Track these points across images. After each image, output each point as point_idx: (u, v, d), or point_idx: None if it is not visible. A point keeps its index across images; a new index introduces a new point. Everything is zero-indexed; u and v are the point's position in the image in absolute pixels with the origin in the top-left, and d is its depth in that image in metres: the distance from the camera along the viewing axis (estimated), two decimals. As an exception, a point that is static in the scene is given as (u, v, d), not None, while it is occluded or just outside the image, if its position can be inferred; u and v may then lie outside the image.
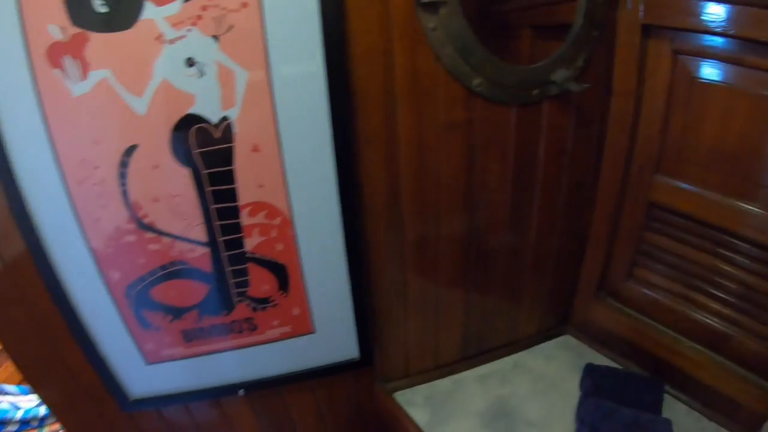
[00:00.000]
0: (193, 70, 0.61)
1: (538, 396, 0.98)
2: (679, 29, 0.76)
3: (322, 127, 0.66)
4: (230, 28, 0.59)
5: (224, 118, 0.63)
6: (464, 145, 0.76)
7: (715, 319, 0.90)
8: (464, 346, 1.01)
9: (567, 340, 1.12)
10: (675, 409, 0.94)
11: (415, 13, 0.64)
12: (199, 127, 0.63)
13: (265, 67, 0.62)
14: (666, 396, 0.96)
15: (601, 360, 1.06)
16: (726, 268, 0.86)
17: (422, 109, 0.71)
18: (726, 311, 0.88)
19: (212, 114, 0.63)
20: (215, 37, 0.59)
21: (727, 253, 0.85)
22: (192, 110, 0.62)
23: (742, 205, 0.79)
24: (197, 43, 0.59)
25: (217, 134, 0.64)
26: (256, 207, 0.70)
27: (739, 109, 0.75)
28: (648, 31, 0.78)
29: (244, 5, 0.59)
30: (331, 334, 0.85)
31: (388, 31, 0.65)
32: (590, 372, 0.98)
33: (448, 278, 0.91)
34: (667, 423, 0.83)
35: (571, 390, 0.99)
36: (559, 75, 0.74)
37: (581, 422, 0.87)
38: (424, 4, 0.63)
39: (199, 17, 0.58)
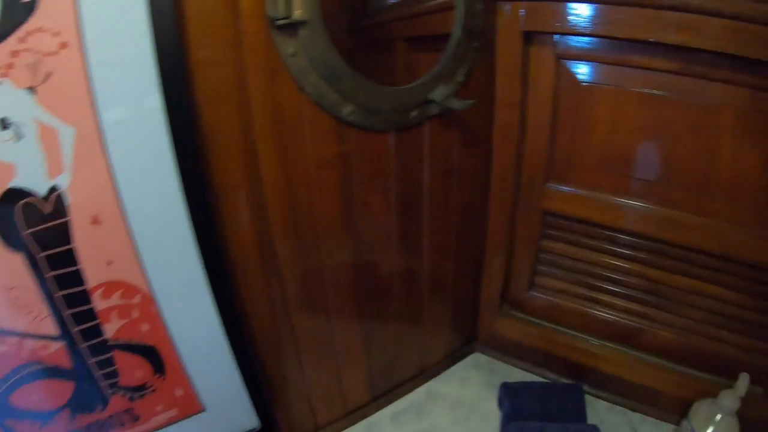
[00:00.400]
0: (8, 133, 0.51)
1: (459, 425, 0.97)
2: (560, 34, 0.76)
3: (170, 183, 0.58)
4: (48, 76, 0.50)
5: (53, 189, 0.54)
6: (341, 180, 0.71)
7: (624, 316, 0.96)
8: (372, 385, 0.98)
9: (477, 358, 1.13)
10: (598, 409, 0.99)
11: (271, 38, 0.57)
12: (25, 203, 0.53)
13: (94, 119, 0.53)
14: (587, 397, 0.99)
15: (515, 373, 1.08)
16: (627, 266, 0.92)
17: (288, 149, 0.64)
18: (633, 306, 0.95)
19: (38, 185, 0.53)
20: (31, 89, 0.50)
21: (627, 251, 0.90)
22: (13, 183, 0.53)
23: (636, 203, 0.84)
24: (9, 98, 0.49)
25: (48, 208, 0.55)
26: (109, 287, 0.61)
27: (628, 110, 0.78)
28: (529, 37, 0.79)
29: (63, 46, 0.50)
30: (224, 408, 0.78)
31: (240, 61, 0.58)
32: (507, 393, 0.98)
33: (341, 316, 0.86)
34: (595, 429, 0.86)
35: (491, 411, 0.99)
36: (439, 93, 0.71)
37: None
38: (281, 27, 0.56)
39: (10, 66, 0.48)
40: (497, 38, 0.79)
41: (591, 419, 0.94)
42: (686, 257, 0.86)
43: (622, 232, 0.90)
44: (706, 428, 0.84)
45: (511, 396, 0.96)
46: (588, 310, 1.00)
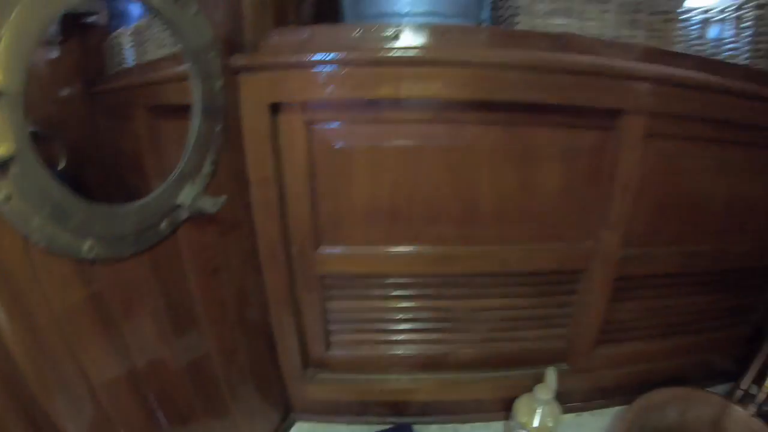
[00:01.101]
0: None
1: None
2: (307, 101, 0.78)
3: None
4: None
5: None
6: (96, 322, 0.62)
7: (425, 347, 1.08)
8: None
9: (300, 427, 1.17)
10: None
11: None
12: None
13: None
14: (418, 426, 1.13)
15: (342, 430, 1.13)
16: (415, 304, 1.03)
17: (28, 309, 0.54)
18: (431, 336, 1.07)
19: None
20: None
21: (411, 292, 1.01)
22: None
23: (408, 248, 0.95)
24: None
25: None
26: None
27: (386, 164, 0.85)
28: (276, 108, 0.78)
29: None
30: None
31: None
32: None
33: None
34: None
35: None
36: (186, 195, 0.66)
37: None
38: None
39: None
40: (242, 114, 0.76)
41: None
42: (467, 283, 1.01)
43: (401, 276, 0.99)
44: (531, 420, 1.01)
45: None
46: (390, 352, 1.09)
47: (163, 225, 0.65)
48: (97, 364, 0.62)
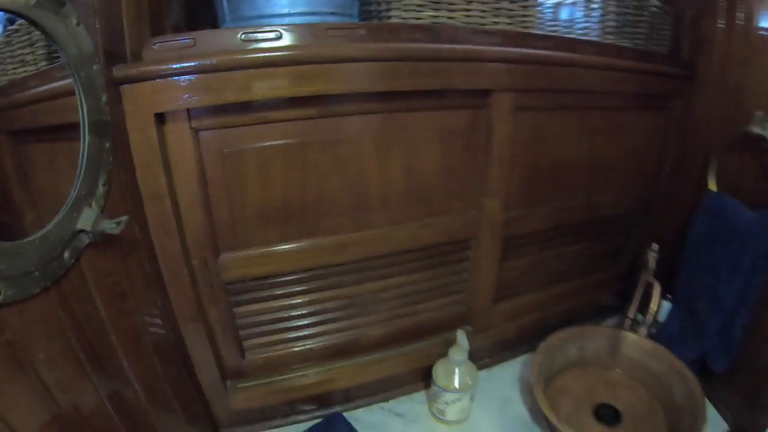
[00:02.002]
0: None
1: None
2: (191, 109, 0.79)
3: None
4: None
5: None
6: (12, 369, 0.59)
7: (336, 336, 1.14)
8: None
9: None
10: (359, 416, 1.21)
11: None
12: None
13: None
14: (346, 413, 1.20)
15: None
16: (319, 296, 1.10)
17: None
18: (340, 325, 1.14)
19: None
20: None
21: (314, 284, 1.08)
22: None
23: (305, 242, 1.00)
24: None
25: None
26: None
27: (275, 163, 0.88)
28: (162, 119, 0.77)
29: None
30: None
31: None
32: None
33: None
34: None
35: None
36: (87, 220, 0.64)
37: None
38: None
39: None
40: (128, 127, 0.75)
41: (359, 427, 1.12)
42: (366, 267, 1.07)
43: (302, 272, 1.03)
44: (452, 382, 1.11)
45: None
46: (303, 347, 1.13)
47: (66, 254, 0.62)
48: (22, 413, 0.61)
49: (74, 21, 0.61)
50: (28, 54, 0.76)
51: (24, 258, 0.56)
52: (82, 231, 0.65)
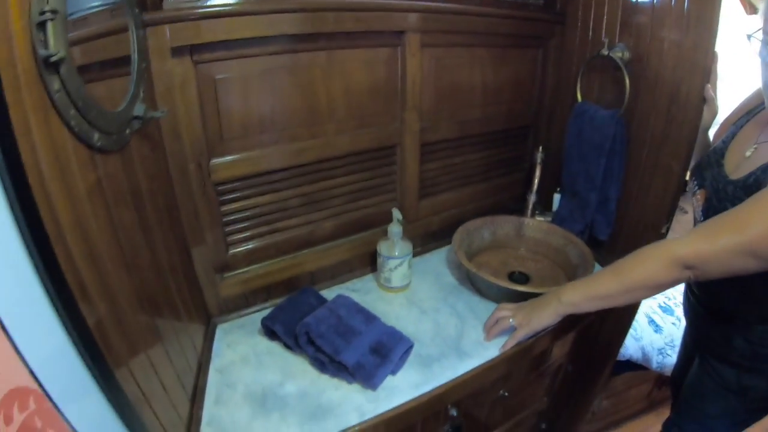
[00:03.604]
0: None
1: (263, 367, 1.25)
2: (196, 45, 1.10)
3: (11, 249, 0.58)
4: None
5: None
6: (104, 206, 0.82)
7: (299, 228, 1.46)
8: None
9: (222, 329, 1.40)
10: (322, 295, 1.47)
11: (41, 76, 0.64)
12: None
13: None
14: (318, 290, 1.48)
15: (256, 316, 1.40)
16: (286, 193, 1.38)
17: (70, 184, 0.71)
18: (302, 219, 1.44)
19: None
20: None
21: (282, 184, 1.38)
22: None
23: (275, 148, 1.31)
24: None
25: None
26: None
27: (253, 86, 1.20)
28: (173, 52, 1.07)
29: None
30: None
31: (21, 103, 0.59)
32: (271, 321, 1.31)
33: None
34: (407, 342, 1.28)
35: (272, 347, 1.31)
36: (140, 109, 0.93)
37: (313, 338, 1.20)
38: (49, 65, 0.65)
39: None
40: (151, 57, 1.04)
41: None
42: (318, 168, 1.41)
43: (272, 172, 1.35)
44: (393, 251, 1.44)
45: (275, 321, 1.30)
46: (276, 239, 1.44)
47: (127, 132, 0.92)
48: (101, 233, 0.79)
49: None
50: None
51: (111, 122, 0.85)
52: (135, 117, 0.95)
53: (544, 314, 1.24)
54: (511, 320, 1.30)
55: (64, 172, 0.71)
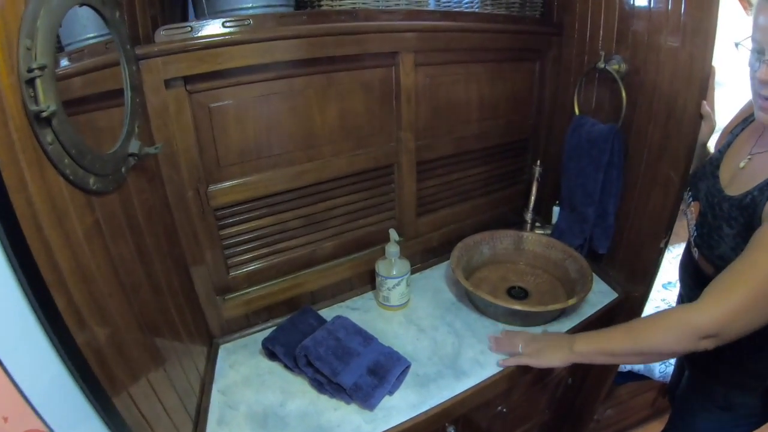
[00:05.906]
0: None
1: (265, 389, 1.27)
2: (187, 76, 1.12)
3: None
4: None
5: None
6: (103, 245, 0.85)
7: (300, 249, 1.47)
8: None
9: (225, 349, 1.43)
10: (322, 314, 1.51)
11: (34, 131, 0.67)
12: None
13: None
14: (318, 309, 1.50)
15: (258, 336, 1.44)
16: (286, 215, 1.40)
17: (66, 228, 0.74)
18: (302, 240, 1.46)
19: None
20: None
21: (281, 207, 1.40)
22: None
23: (273, 172, 1.33)
24: None
25: None
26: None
27: (248, 114, 1.22)
28: (167, 84, 1.10)
29: None
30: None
31: (15, 160, 0.62)
32: (272, 343, 1.33)
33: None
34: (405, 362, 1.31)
35: (273, 367, 1.34)
36: (135, 146, 0.96)
37: (312, 361, 1.23)
38: (41, 120, 0.67)
39: None
40: (145, 89, 1.07)
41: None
42: (317, 190, 1.43)
43: (271, 196, 1.37)
44: (390, 270, 1.45)
45: (275, 343, 1.33)
46: (276, 260, 1.46)
47: (123, 169, 0.95)
48: (100, 267, 0.83)
49: (117, 13, 0.95)
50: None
51: (106, 164, 0.88)
52: (131, 155, 0.98)
53: (554, 357, 1.26)
54: (520, 347, 1.33)
55: (61, 220, 0.74)
